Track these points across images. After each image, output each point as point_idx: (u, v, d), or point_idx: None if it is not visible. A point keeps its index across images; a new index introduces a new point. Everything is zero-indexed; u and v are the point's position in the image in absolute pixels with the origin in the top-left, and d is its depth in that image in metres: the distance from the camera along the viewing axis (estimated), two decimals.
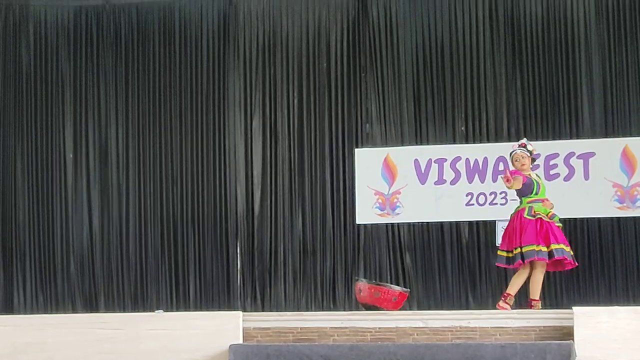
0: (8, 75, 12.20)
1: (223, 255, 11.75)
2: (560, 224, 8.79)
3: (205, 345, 8.05)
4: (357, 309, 9.53)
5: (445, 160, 11.37)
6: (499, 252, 8.95)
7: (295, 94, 11.91)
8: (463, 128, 11.49)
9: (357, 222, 11.50)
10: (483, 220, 11.16)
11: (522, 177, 8.76)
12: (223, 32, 12.09)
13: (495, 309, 8.57)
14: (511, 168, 8.83)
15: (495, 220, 10.82)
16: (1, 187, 12.09)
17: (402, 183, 11.44)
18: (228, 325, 8.10)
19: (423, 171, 11.41)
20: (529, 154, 8.90)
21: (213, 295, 11.62)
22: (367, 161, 11.55)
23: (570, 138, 11.15)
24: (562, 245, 8.55)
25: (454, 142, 11.46)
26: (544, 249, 8.53)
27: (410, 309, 10.17)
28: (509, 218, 8.94)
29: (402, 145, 11.56)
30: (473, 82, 11.49)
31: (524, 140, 9.04)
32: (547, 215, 8.67)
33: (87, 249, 11.94)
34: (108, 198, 12.01)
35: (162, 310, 10.55)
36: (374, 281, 9.84)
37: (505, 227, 9.03)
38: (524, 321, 7.92)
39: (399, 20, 11.71)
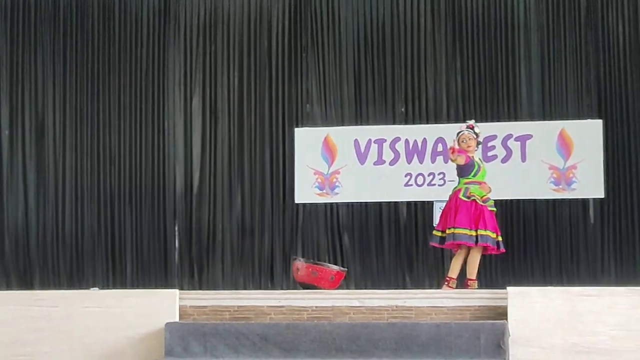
0: None
1: (161, 234, 11.68)
2: (494, 209, 8.90)
3: (141, 323, 8.03)
4: (295, 288, 9.55)
5: (385, 140, 11.40)
6: (434, 232, 9.08)
7: (235, 74, 11.85)
8: (403, 109, 11.53)
9: (296, 201, 11.50)
10: (421, 201, 11.22)
11: (466, 157, 8.87)
12: (163, 9, 11.97)
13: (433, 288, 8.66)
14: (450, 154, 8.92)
15: (433, 201, 10.88)
16: None
17: (341, 163, 11.45)
18: (164, 303, 8.08)
19: (362, 151, 11.43)
20: (475, 136, 9.01)
21: (150, 273, 11.55)
22: (306, 141, 11.54)
23: (509, 120, 11.24)
24: (488, 232, 8.71)
25: (394, 122, 11.50)
26: (473, 233, 8.68)
27: (347, 289, 10.20)
28: (447, 199, 9.05)
29: (342, 125, 11.57)
30: (413, 64, 11.53)
31: (472, 122, 9.13)
32: (481, 198, 8.79)
33: (22, 226, 11.79)
34: (44, 175, 11.86)
35: (97, 288, 10.51)
36: (311, 260, 9.88)
37: (442, 208, 9.13)
38: (459, 301, 8.00)
39: (340, 1, 11.70)
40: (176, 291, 8.25)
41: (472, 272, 8.84)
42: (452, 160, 8.94)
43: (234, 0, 11.90)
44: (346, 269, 9.93)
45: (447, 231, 8.79)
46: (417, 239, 11.19)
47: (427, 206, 11.06)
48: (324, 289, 8.97)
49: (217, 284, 11.39)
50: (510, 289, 7.85)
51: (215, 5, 11.93)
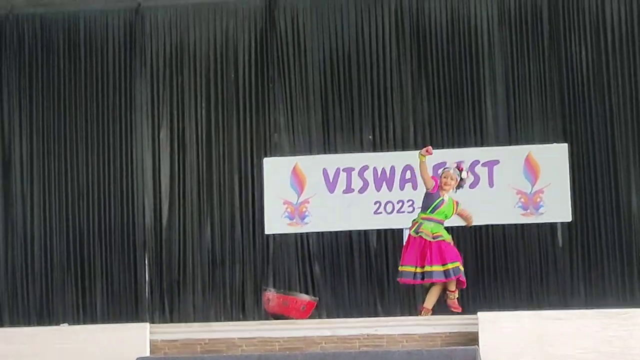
0: None
1: (131, 267, 11.62)
2: (449, 239, 8.94)
3: (112, 358, 7.99)
4: (266, 319, 9.53)
5: (354, 169, 11.43)
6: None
7: (203, 105, 11.86)
8: (370, 137, 11.58)
9: (266, 232, 11.48)
10: (391, 229, 11.26)
11: (435, 185, 8.92)
12: (129, 41, 11.98)
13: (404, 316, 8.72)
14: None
15: (402, 229, 10.90)
16: None
17: (310, 192, 11.47)
18: (135, 338, 8.05)
19: (332, 180, 11.45)
20: (457, 178, 9.06)
21: (121, 307, 11.48)
22: (275, 171, 11.54)
23: (475, 146, 11.32)
24: (434, 267, 8.74)
25: (362, 150, 11.54)
26: (419, 270, 8.75)
27: (319, 318, 10.20)
28: None
29: (311, 154, 11.59)
30: (380, 91, 11.59)
31: (462, 165, 9.21)
32: (431, 234, 8.84)
33: None
34: (12, 210, 11.77)
35: (67, 324, 10.44)
36: (282, 290, 9.87)
37: None
38: (430, 327, 8.05)
39: (306, 31, 11.77)
40: (147, 325, 8.23)
41: (429, 302, 8.95)
42: (420, 167, 8.92)
43: (201, 31, 11.94)
44: (317, 299, 9.93)
45: (399, 268, 8.97)
46: (388, 266, 11.20)
47: (397, 234, 11.09)
48: (296, 319, 8.97)
49: (188, 316, 11.33)
50: (480, 314, 7.90)
51: (181, 37, 11.95)
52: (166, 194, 11.72)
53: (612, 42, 11.27)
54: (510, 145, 11.26)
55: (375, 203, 11.31)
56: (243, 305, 11.41)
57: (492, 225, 11.14)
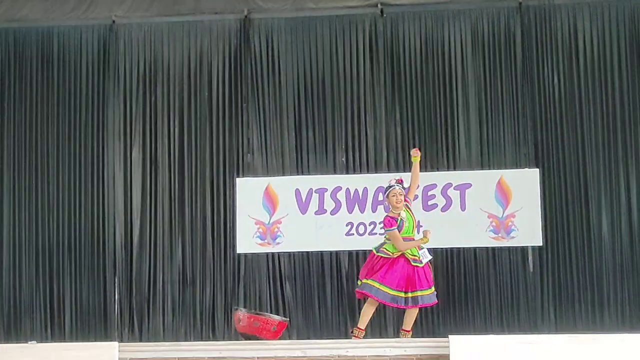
0: None
1: (100, 286, 11.53)
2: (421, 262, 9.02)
3: None
4: (237, 339, 9.49)
5: (326, 190, 11.45)
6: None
7: (176, 124, 11.83)
8: (343, 159, 11.60)
9: (238, 251, 11.45)
10: (363, 250, 11.24)
11: (392, 219, 9.02)
12: (103, 58, 11.94)
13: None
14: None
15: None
16: None
17: (283, 213, 11.46)
18: (104, 356, 7.99)
19: (304, 201, 11.46)
20: (405, 190, 9.15)
21: (90, 325, 11.39)
22: (248, 191, 11.53)
23: (448, 169, 11.37)
24: (383, 287, 8.95)
25: (335, 172, 11.56)
26: (410, 294, 8.85)
27: (290, 339, 10.17)
28: None
29: (283, 175, 11.59)
30: (353, 114, 11.63)
31: (401, 177, 9.26)
32: (392, 254, 8.92)
33: None
34: None
35: (35, 342, 10.31)
36: (253, 310, 9.84)
37: None
38: (401, 350, 8.04)
39: (280, 51, 11.79)
40: (116, 344, 8.17)
41: (407, 323, 8.97)
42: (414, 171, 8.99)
43: (174, 50, 11.92)
44: (288, 319, 9.92)
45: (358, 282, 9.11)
46: None
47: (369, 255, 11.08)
48: (266, 339, 8.94)
49: (157, 336, 11.26)
50: (451, 337, 7.90)
51: (155, 56, 11.93)
52: (137, 213, 11.66)
53: (584, 68, 11.39)
54: (482, 169, 11.32)
55: (347, 224, 11.32)
56: (213, 325, 11.36)
57: (463, 248, 11.17)
